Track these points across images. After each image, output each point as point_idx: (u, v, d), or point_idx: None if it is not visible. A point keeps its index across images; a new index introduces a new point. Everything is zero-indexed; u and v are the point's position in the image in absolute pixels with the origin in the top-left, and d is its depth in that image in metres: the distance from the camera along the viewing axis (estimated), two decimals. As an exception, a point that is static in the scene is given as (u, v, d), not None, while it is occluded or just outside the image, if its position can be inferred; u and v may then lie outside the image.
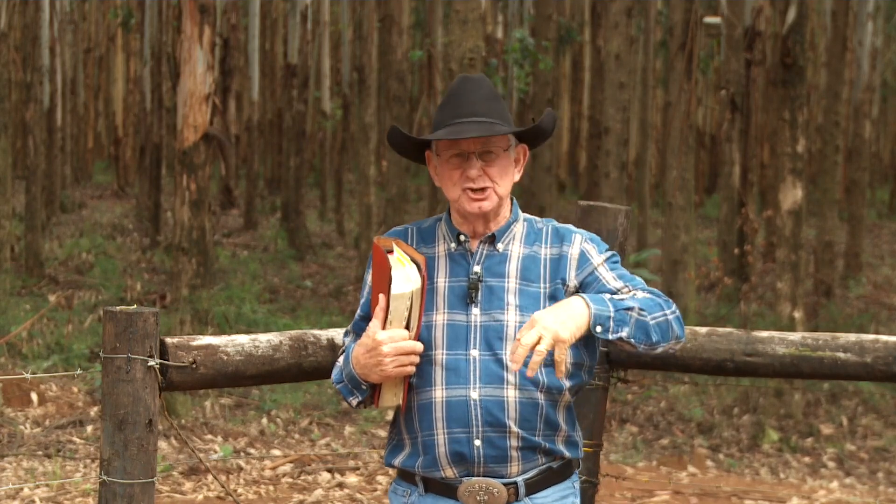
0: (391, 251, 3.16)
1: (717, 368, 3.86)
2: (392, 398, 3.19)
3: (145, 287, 15.14)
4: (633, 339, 3.08)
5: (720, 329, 3.88)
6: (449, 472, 3.17)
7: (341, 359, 3.27)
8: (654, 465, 9.44)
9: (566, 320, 3.03)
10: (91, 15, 34.56)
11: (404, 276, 3.12)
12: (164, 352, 3.27)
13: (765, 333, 3.85)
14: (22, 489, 7.49)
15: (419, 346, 3.14)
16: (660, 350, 3.14)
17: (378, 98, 21.23)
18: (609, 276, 3.21)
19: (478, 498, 3.16)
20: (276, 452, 8.92)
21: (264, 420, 9.83)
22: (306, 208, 22.25)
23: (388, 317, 3.12)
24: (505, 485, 3.16)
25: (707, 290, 16.84)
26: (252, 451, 8.90)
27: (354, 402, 3.22)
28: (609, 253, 3.27)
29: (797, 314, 11.19)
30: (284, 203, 21.75)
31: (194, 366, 3.31)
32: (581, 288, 3.20)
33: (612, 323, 3.05)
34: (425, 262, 3.17)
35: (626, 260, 3.65)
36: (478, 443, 3.14)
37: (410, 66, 20.48)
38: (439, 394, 3.16)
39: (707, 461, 9.62)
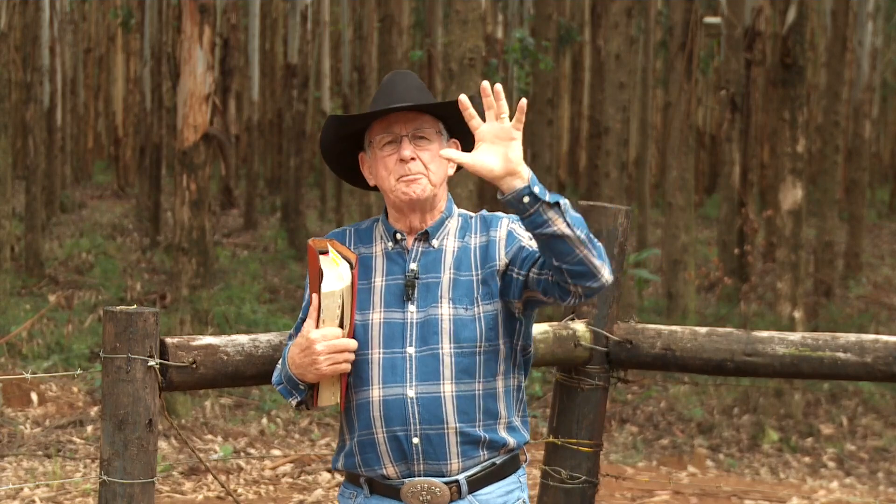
0: (325, 252, 3.16)
1: (717, 368, 3.86)
2: (330, 397, 3.19)
3: (145, 287, 15.14)
4: (568, 217, 2.93)
5: (720, 329, 3.88)
6: (391, 471, 3.17)
7: (280, 361, 3.26)
8: (654, 465, 9.44)
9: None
10: (91, 15, 34.57)
11: (336, 274, 3.12)
12: (164, 352, 3.27)
13: (765, 333, 3.85)
14: (22, 489, 7.49)
15: (353, 344, 3.12)
16: (598, 263, 2.98)
17: (378, 98, 21.20)
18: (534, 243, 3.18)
19: (420, 498, 3.16)
20: (276, 452, 8.92)
21: (264, 420, 9.83)
22: (306, 208, 22.25)
23: (321, 316, 3.13)
24: (447, 483, 3.16)
25: (707, 290, 16.84)
26: (252, 451, 8.90)
27: (294, 403, 3.21)
28: None
29: (797, 314, 11.19)
30: (284, 203, 21.76)
31: (194, 366, 3.31)
32: (510, 262, 3.17)
33: (547, 193, 2.95)
34: (357, 259, 3.16)
35: (626, 260, 3.64)
36: (416, 440, 3.14)
37: (410, 66, 20.47)
38: (376, 393, 3.16)
39: (707, 461, 9.63)
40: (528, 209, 2.94)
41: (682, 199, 14.44)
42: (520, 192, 2.93)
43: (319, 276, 3.12)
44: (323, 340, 3.09)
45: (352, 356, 3.13)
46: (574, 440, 3.93)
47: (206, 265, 11.62)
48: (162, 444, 8.45)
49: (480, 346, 3.16)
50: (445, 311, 3.16)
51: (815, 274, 16.79)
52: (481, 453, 3.19)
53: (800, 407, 10.94)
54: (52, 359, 10.97)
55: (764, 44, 15.75)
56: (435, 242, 3.24)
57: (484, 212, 3.31)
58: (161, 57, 20.48)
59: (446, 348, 3.15)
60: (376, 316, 3.19)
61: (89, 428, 9.06)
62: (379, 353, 3.17)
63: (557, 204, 2.94)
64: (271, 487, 7.96)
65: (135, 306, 3.24)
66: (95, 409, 9.50)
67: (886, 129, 35.31)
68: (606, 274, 3.04)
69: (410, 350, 3.16)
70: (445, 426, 3.14)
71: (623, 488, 8.24)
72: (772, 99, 19.59)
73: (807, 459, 9.96)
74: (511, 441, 3.22)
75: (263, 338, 3.47)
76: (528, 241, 3.18)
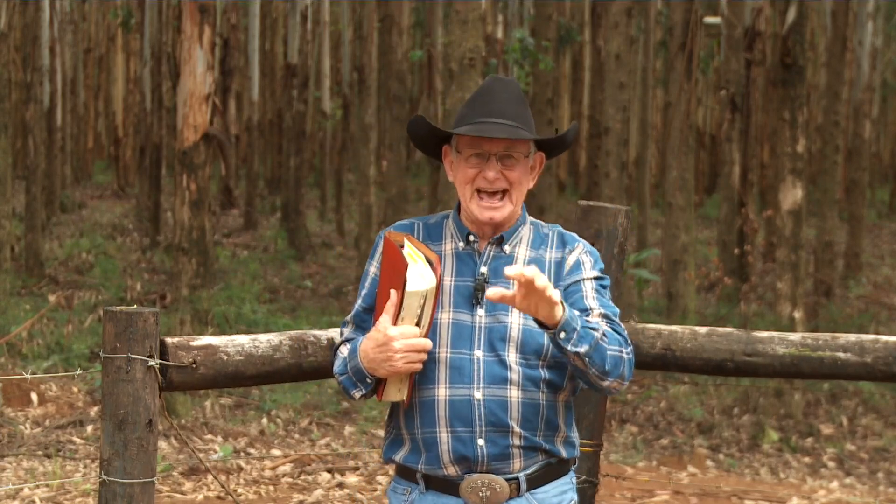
0: (402, 246, 3.15)
1: (717, 368, 3.86)
2: (396, 393, 3.20)
3: (145, 287, 15.14)
4: (587, 359, 3.06)
5: (720, 329, 3.87)
6: (451, 470, 3.19)
7: (345, 350, 3.26)
8: (654, 465, 9.44)
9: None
10: (91, 15, 34.55)
11: (419, 273, 3.11)
12: (164, 352, 3.27)
13: (765, 333, 3.85)
14: (22, 489, 7.49)
15: (429, 345, 3.14)
16: (606, 384, 3.12)
17: (378, 98, 21.23)
18: (589, 293, 3.22)
19: (480, 494, 3.18)
20: (276, 452, 8.92)
21: (264, 420, 9.83)
22: (306, 208, 22.24)
23: (401, 313, 3.12)
24: (507, 480, 3.18)
25: (707, 290, 16.83)
26: (252, 451, 8.90)
27: (357, 395, 3.22)
28: (601, 273, 3.28)
29: (797, 314, 11.19)
30: (284, 203, 21.75)
31: (194, 366, 3.31)
32: (562, 293, 3.20)
33: (576, 335, 3.04)
34: (439, 260, 3.16)
35: (626, 260, 3.64)
36: (481, 442, 3.15)
37: (410, 66, 20.49)
38: (443, 392, 3.17)
39: (707, 461, 9.62)
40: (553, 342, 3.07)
41: (682, 199, 14.43)
42: (547, 331, 3.05)
43: (402, 273, 3.10)
44: (402, 338, 3.10)
45: (426, 356, 3.14)
46: (574, 440, 3.93)
47: (206, 265, 11.61)
48: (162, 444, 8.45)
49: (545, 361, 3.18)
50: (515, 319, 3.18)
51: (815, 274, 16.79)
52: (539, 456, 3.22)
53: (800, 407, 10.94)
54: (52, 359, 10.97)
55: (764, 44, 15.75)
56: (507, 248, 3.25)
57: (560, 227, 3.33)
58: (161, 57, 20.47)
59: (512, 356, 3.16)
60: (445, 316, 3.20)
61: (89, 428, 9.06)
62: (446, 352, 3.18)
63: (578, 353, 3.04)
64: (271, 487, 7.96)
65: (135, 306, 3.25)
66: (95, 409, 9.50)
67: (886, 129, 35.30)
68: (615, 385, 3.14)
69: (478, 353, 3.17)
70: (510, 430, 3.16)
71: (623, 488, 8.24)
72: (772, 99, 19.58)
73: (807, 459, 9.96)
74: (564, 453, 3.27)
75: (263, 338, 3.48)
76: (588, 281, 3.23)
